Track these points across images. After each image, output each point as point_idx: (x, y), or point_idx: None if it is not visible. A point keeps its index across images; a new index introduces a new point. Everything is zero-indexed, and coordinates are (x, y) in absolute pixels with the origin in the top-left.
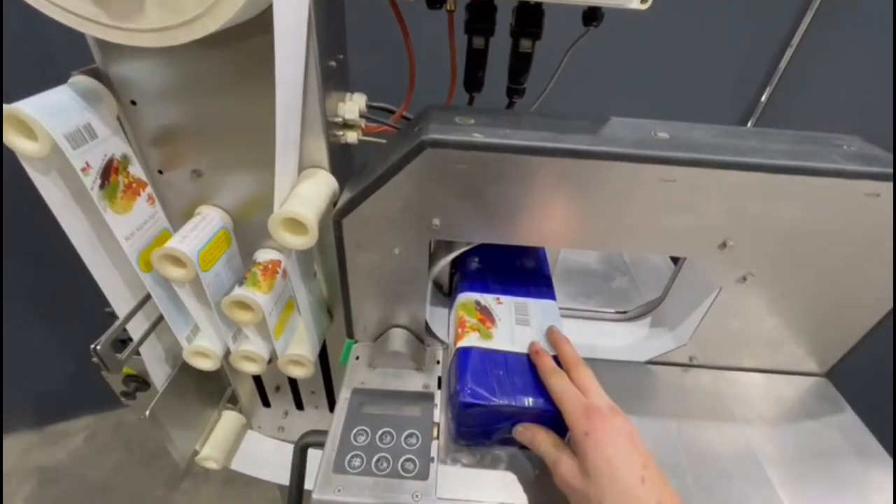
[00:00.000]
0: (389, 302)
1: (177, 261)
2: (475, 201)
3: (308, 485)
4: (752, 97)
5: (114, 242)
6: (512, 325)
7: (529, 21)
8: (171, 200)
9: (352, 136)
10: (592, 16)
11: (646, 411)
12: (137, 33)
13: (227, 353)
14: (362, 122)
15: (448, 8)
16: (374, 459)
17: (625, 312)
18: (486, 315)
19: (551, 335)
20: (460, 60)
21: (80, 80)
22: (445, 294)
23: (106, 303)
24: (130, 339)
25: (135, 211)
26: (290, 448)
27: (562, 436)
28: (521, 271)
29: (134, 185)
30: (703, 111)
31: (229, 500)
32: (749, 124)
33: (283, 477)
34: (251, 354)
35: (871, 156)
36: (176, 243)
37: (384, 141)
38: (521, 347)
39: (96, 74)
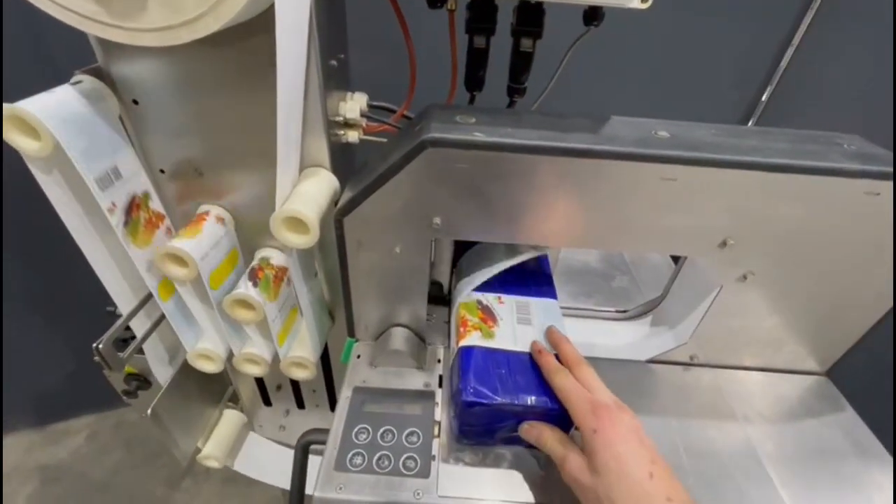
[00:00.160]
0: (390, 301)
1: (179, 260)
2: (476, 200)
3: (310, 484)
4: (753, 97)
5: (116, 241)
6: (514, 324)
7: (530, 20)
8: (172, 199)
9: (353, 136)
10: (593, 15)
11: (647, 410)
12: (139, 32)
13: (230, 355)
14: (363, 122)
15: (449, 7)
16: (376, 457)
17: (625, 311)
18: (487, 314)
19: (551, 335)
20: (461, 60)
21: (82, 79)
22: (446, 293)
23: (106, 302)
24: (132, 338)
25: (153, 244)
26: (292, 452)
27: (566, 431)
28: (522, 270)
29: (154, 218)
30: (703, 110)
31: (230, 499)
32: (750, 124)
33: (286, 481)
34: (254, 357)
35: (871, 155)
36: (180, 243)
37: (385, 140)
38: (522, 346)
39: (98, 74)
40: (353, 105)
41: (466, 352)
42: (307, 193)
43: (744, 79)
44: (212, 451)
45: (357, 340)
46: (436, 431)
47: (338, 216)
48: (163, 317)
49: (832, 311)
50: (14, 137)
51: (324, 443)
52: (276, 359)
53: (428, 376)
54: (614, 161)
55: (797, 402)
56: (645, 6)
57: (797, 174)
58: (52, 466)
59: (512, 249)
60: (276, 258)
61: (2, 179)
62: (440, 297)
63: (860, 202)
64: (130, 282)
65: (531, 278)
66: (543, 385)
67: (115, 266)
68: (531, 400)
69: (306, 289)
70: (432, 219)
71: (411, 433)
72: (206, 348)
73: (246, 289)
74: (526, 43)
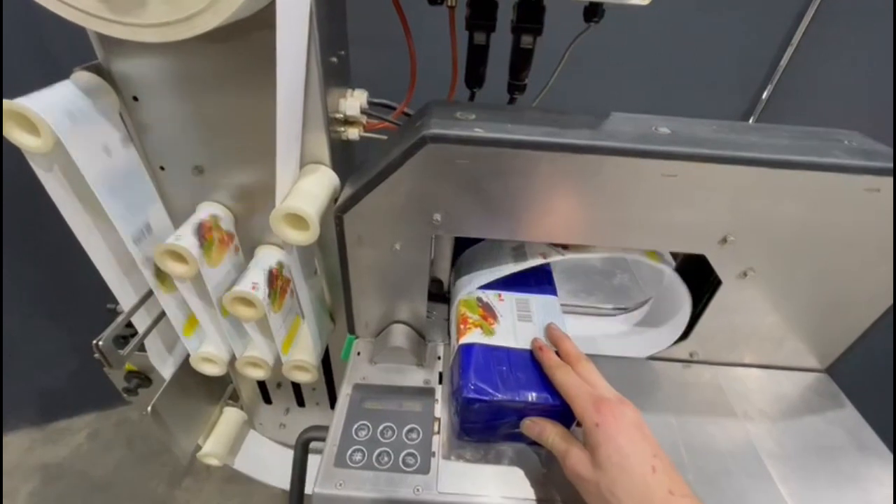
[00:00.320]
0: (390, 298)
1: (179, 257)
2: (476, 196)
3: (309, 482)
4: (754, 94)
5: (117, 238)
6: (514, 321)
7: (530, 17)
8: (172, 197)
9: (353, 133)
10: (593, 12)
11: (647, 407)
12: (139, 28)
13: (233, 358)
14: (363, 119)
15: (449, 4)
16: (376, 454)
17: (625, 309)
18: (487, 311)
19: (551, 332)
20: (461, 56)
21: (82, 75)
22: (446, 290)
23: (107, 299)
24: (132, 336)
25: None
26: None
27: (567, 427)
28: None
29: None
30: (704, 108)
31: (231, 497)
32: (751, 121)
33: (286, 481)
34: (257, 360)
35: (871, 151)
36: (179, 240)
37: (385, 137)
38: (523, 343)
39: (98, 70)
40: (354, 102)
41: (467, 349)
42: (307, 190)
43: (744, 76)
44: (212, 449)
45: (357, 337)
46: (436, 428)
47: (338, 213)
48: (163, 314)
49: (832, 308)
50: (14, 134)
51: (324, 440)
52: (277, 362)
53: (428, 373)
54: (614, 157)
55: (797, 399)
56: (645, 2)
57: (797, 170)
58: (54, 464)
59: (519, 254)
60: (287, 267)
61: (2, 176)
62: (440, 294)
63: (860, 198)
64: (131, 278)
65: (531, 275)
66: (544, 381)
67: (117, 263)
68: (532, 396)
69: (307, 286)
70: (432, 215)
71: (411, 430)
72: (209, 352)
73: (243, 286)
74: (526, 40)
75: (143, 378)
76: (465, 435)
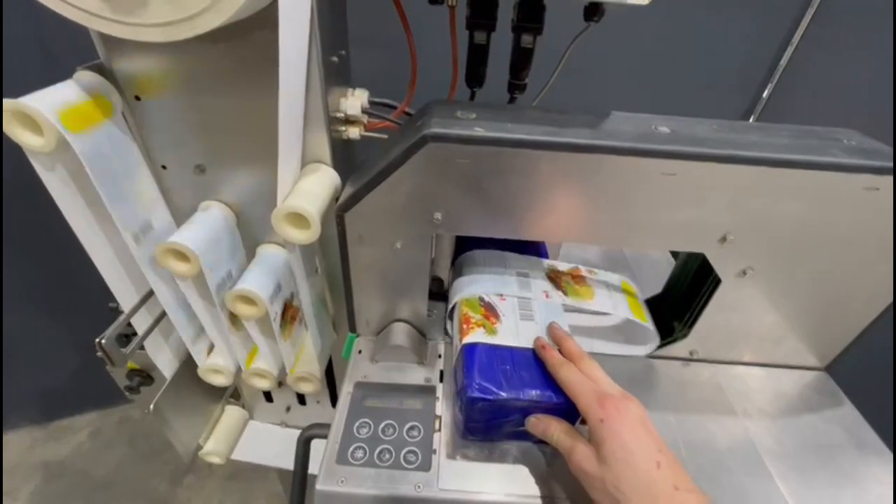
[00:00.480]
0: (391, 296)
1: (180, 255)
2: (477, 195)
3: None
4: (754, 93)
5: (118, 237)
6: (516, 320)
7: (531, 16)
8: (174, 196)
9: (354, 132)
10: (593, 11)
11: (646, 405)
12: (141, 28)
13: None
14: (364, 118)
15: (450, 3)
16: (377, 451)
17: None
18: (490, 311)
19: (553, 332)
20: (462, 56)
21: (84, 75)
22: (447, 289)
23: (109, 298)
24: (134, 334)
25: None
26: (287, 432)
27: (571, 424)
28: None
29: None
30: (705, 107)
31: (233, 495)
32: (751, 120)
33: (283, 462)
34: (262, 371)
35: (870, 149)
36: (180, 238)
37: (386, 137)
38: (526, 342)
39: (100, 70)
40: (354, 101)
41: (470, 349)
42: (308, 189)
43: (745, 75)
44: (214, 448)
45: (358, 336)
46: (437, 426)
47: (339, 212)
48: (164, 313)
49: (832, 307)
50: (17, 133)
51: (325, 437)
52: (282, 372)
53: (429, 371)
54: (614, 156)
55: (796, 397)
56: (645, 2)
57: (797, 169)
58: (55, 463)
59: (522, 279)
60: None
61: (2, 175)
62: (441, 293)
63: (859, 197)
64: (132, 278)
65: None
66: (548, 379)
67: (118, 262)
68: (536, 394)
69: (307, 285)
70: (433, 214)
71: (412, 427)
72: (216, 363)
73: (244, 284)
74: (526, 39)
75: (145, 376)
76: (469, 435)
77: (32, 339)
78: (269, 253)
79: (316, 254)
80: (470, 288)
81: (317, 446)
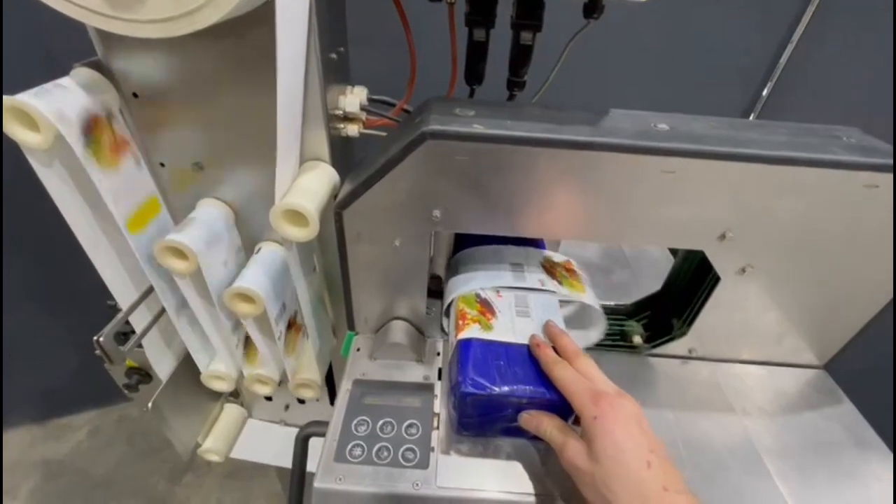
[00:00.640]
0: (390, 294)
1: (179, 253)
2: (475, 193)
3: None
4: (755, 90)
5: (117, 234)
6: (512, 316)
7: (530, 13)
8: (172, 193)
9: (352, 129)
10: (592, 8)
11: (644, 403)
12: (139, 24)
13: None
14: (363, 115)
15: (448, 0)
16: (375, 449)
17: (624, 305)
18: (486, 307)
19: (549, 330)
20: (461, 53)
21: (81, 71)
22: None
23: (108, 297)
24: (133, 332)
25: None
26: (286, 430)
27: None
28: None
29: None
30: (705, 104)
31: (232, 493)
32: (751, 117)
33: (282, 460)
34: (263, 378)
35: (870, 147)
36: (178, 235)
37: (385, 134)
38: (521, 338)
39: (98, 67)
40: (353, 99)
41: (465, 344)
42: (307, 187)
43: (745, 73)
44: (213, 446)
45: (357, 333)
46: (435, 423)
47: (337, 209)
48: (163, 311)
49: (831, 304)
50: (14, 130)
51: (323, 435)
52: (283, 377)
53: (427, 369)
54: (613, 153)
55: (795, 396)
56: None
57: (796, 166)
58: (54, 461)
59: (517, 272)
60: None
61: (2, 174)
62: (440, 291)
63: (859, 194)
64: (130, 276)
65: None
66: (542, 376)
67: (116, 259)
68: (530, 390)
69: (305, 283)
70: (432, 211)
71: (410, 425)
72: (218, 370)
73: (242, 281)
74: (526, 36)
75: (143, 374)
76: (462, 430)
77: (32, 338)
78: (268, 251)
79: (314, 252)
80: (466, 285)
81: (315, 444)
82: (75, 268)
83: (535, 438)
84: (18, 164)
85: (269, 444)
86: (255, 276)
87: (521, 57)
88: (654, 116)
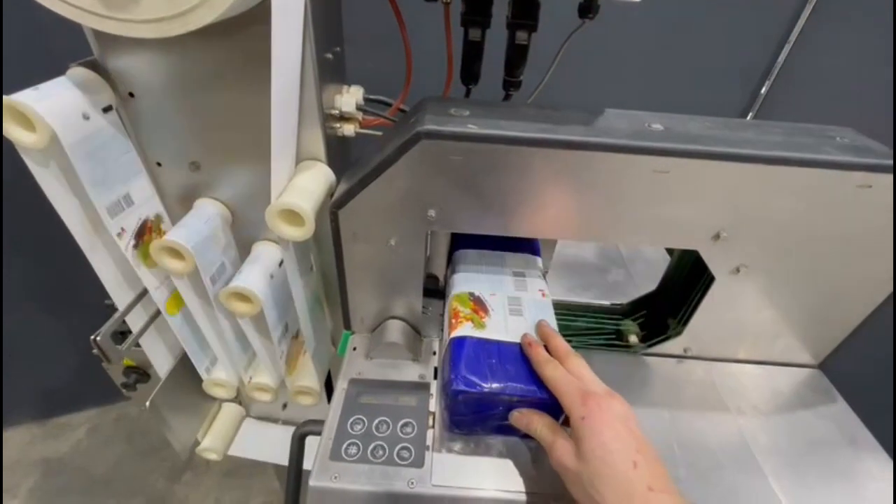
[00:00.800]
0: (386, 293)
1: (175, 253)
2: (470, 192)
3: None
4: (752, 90)
5: (112, 234)
6: (505, 315)
7: (525, 13)
8: (169, 193)
9: (349, 129)
10: (588, 8)
11: (639, 402)
12: (134, 24)
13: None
14: (359, 115)
15: (444, 0)
16: (371, 447)
17: (620, 305)
18: (479, 306)
19: (541, 329)
20: (457, 53)
21: (77, 71)
22: (442, 286)
23: (106, 296)
24: (130, 332)
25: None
26: (283, 428)
27: (555, 420)
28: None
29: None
30: (702, 104)
31: (230, 492)
32: (749, 116)
33: (279, 458)
34: (263, 385)
35: (863, 147)
36: (175, 235)
37: (381, 133)
38: (514, 337)
39: (94, 66)
40: (349, 98)
41: (458, 342)
42: (303, 186)
43: (743, 72)
44: (211, 444)
45: (353, 333)
46: (430, 422)
47: (333, 208)
48: (159, 311)
49: (825, 304)
50: (10, 129)
51: (320, 433)
52: (283, 385)
53: (423, 368)
54: (607, 153)
55: (790, 395)
56: None
57: (790, 166)
58: (54, 460)
59: (518, 279)
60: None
61: (1, 174)
62: (436, 290)
63: (852, 194)
64: (127, 275)
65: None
66: (534, 375)
67: (111, 260)
68: (521, 388)
69: (301, 283)
70: (427, 211)
71: (406, 424)
72: (219, 378)
73: (241, 281)
74: (521, 36)
75: (141, 373)
76: (454, 427)
77: (31, 338)
78: (265, 250)
79: (311, 251)
80: (466, 285)
81: (312, 443)
82: (75, 267)
83: (526, 437)
84: (18, 164)
85: (266, 443)
86: (253, 276)
87: (516, 57)
88: (649, 116)
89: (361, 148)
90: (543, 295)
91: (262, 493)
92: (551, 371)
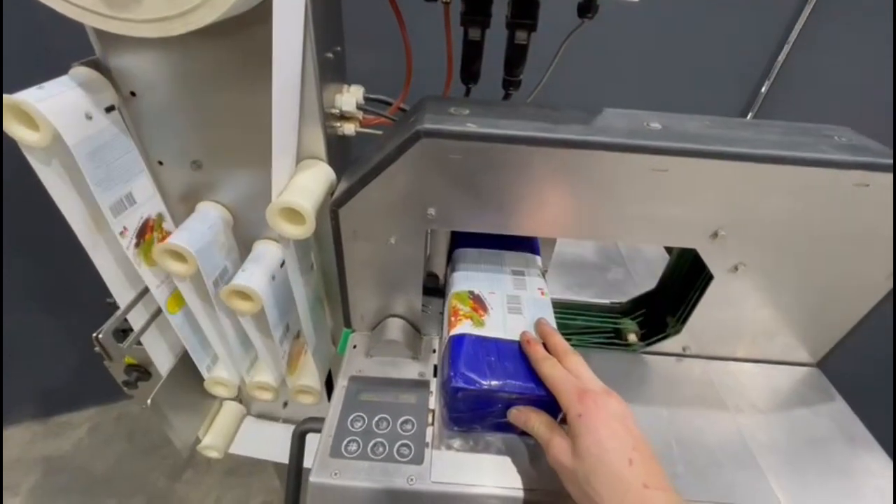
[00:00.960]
0: (386, 291)
1: (178, 256)
2: (470, 191)
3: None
4: (752, 90)
5: (114, 233)
6: (504, 313)
7: (525, 12)
8: (170, 192)
9: (349, 128)
10: (587, 7)
11: (638, 400)
12: (135, 23)
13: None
14: (360, 114)
15: (444, 0)
16: (371, 444)
17: (619, 303)
18: (478, 304)
19: (540, 327)
20: (457, 53)
21: (79, 71)
22: (442, 284)
23: (107, 295)
24: (132, 330)
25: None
26: (284, 426)
27: (553, 418)
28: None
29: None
30: (702, 103)
31: (231, 490)
32: (749, 115)
33: (280, 456)
34: (264, 384)
35: (861, 146)
36: (177, 238)
37: (381, 133)
38: (512, 335)
39: (96, 66)
40: (350, 98)
41: (457, 340)
42: (303, 185)
43: (742, 72)
44: (212, 442)
45: (353, 331)
46: (430, 419)
47: (333, 207)
48: (160, 310)
49: (823, 302)
50: (13, 128)
51: (320, 431)
52: (283, 384)
53: (423, 366)
54: (605, 152)
55: (788, 393)
56: None
57: (787, 165)
58: (55, 458)
59: (517, 278)
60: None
61: (2, 172)
62: (436, 289)
63: (849, 193)
64: (129, 273)
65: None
66: (531, 372)
67: (113, 258)
68: (519, 386)
69: (302, 281)
70: (426, 209)
71: (406, 421)
72: (220, 377)
73: (242, 279)
74: (521, 35)
75: (142, 371)
76: (453, 425)
77: (32, 336)
78: (266, 250)
79: (311, 249)
80: (466, 284)
81: (312, 440)
82: (75, 266)
83: (524, 434)
84: (18, 164)
85: (267, 441)
86: (255, 275)
87: (516, 56)
88: (647, 115)
89: (362, 147)
90: (542, 293)
91: (263, 492)
92: (549, 369)
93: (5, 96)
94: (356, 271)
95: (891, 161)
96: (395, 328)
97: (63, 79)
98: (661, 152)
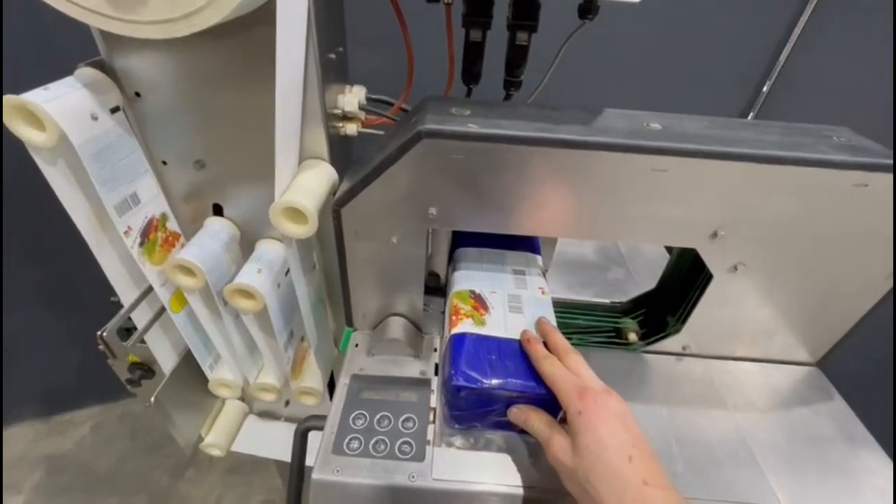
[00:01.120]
0: (388, 290)
1: (188, 270)
2: (471, 191)
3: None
4: (752, 90)
5: (119, 232)
6: (505, 312)
7: (526, 14)
8: (174, 191)
9: (351, 128)
10: (588, 8)
11: (638, 399)
12: (140, 25)
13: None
14: (362, 114)
15: (446, 1)
16: (372, 442)
17: (620, 303)
18: (479, 303)
19: (541, 326)
20: (458, 53)
21: (84, 71)
22: (443, 283)
23: (111, 293)
24: (135, 328)
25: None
26: (286, 425)
27: (553, 417)
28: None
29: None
30: (703, 104)
31: (234, 489)
32: (750, 117)
33: (282, 454)
34: (267, 386)
35: (860, 147)
36: (187, 254)
37: (383, 133)
38: (513, 334)
39: (101, 66)
40: (352, 98)
41: (459, 339)
42: (306, 185)
43: (742, 72)
44: (214, 440)
45: (355, 330)
46: (431, 417)
47: (335, 206)
48: (164, 309)
49: (823, 302)
50: (19, 128)
51: (322, 429)
52: (287, 385)
53: (424, 364)
54: (606, 152)
55: (788, 392)
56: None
57: (786, 165)
58: (58, 456)
59: (518, 277)
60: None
61: (2, 171)
62: (437, 288)
63: (848, 193)
64: (132, 272)
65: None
66: (532, 371)
67: (117, 257)
68: (520, 384)
69: (304, 280)
70: (428, 209)
71: (407, 419)
72: (224, 378)
73: (244, 277)
74: (522, 36)
75: (146, 369)
76: (454, 423)
77: (35, 335)
78: (268, 249)
79: (314, 249)
80: (467, 283)
81: (314, 438)
82: (79, 265)
83: (525, 432)
84: (18, 163)
85: (269, 439)
86: (255, 273)
87: (517, 57)
88: (648, 116)
89: (364, 147)
90: (543, 293)
91: (264, 491)
92: (549, 367)
93: (13, 97)
94: (358, 270)
95: (890, 161)
96: (397, 327)
97: (68, 79)
98: (661, 152)
